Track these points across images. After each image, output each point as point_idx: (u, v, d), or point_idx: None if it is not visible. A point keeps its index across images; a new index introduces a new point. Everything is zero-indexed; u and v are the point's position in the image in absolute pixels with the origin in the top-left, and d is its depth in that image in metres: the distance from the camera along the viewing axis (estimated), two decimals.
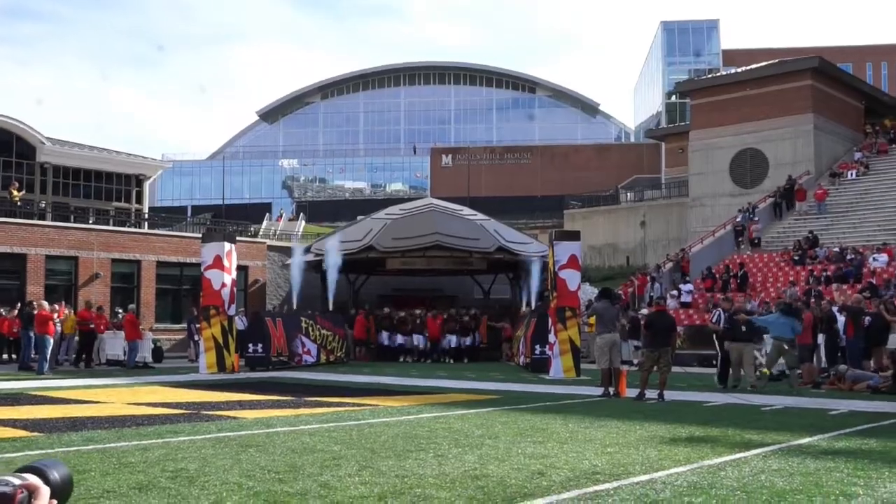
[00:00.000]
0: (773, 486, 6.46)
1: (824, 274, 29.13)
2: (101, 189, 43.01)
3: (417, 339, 28.79)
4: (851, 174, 39.00)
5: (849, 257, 29.61)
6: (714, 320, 17.64)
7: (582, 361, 21.28)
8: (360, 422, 10.76)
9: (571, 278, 20.71)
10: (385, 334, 29.19)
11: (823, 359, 19.13)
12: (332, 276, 26.27)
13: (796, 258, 31.59)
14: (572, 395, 15.30)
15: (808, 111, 40.39)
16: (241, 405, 12.93)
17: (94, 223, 32.00)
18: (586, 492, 6.24)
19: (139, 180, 44.55)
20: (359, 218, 34.70)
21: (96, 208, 39.09)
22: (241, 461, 7.47)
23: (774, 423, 10.93)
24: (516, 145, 78.24)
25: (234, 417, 11.15)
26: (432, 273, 31.03)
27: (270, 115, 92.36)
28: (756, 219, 36.62)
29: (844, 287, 27.08)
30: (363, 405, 13.06)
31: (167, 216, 43.89)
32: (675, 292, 30.15)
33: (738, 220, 36.18)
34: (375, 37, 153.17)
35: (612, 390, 14.89)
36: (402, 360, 28.34)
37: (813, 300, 22.81)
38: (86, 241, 28.13)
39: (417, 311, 29.09)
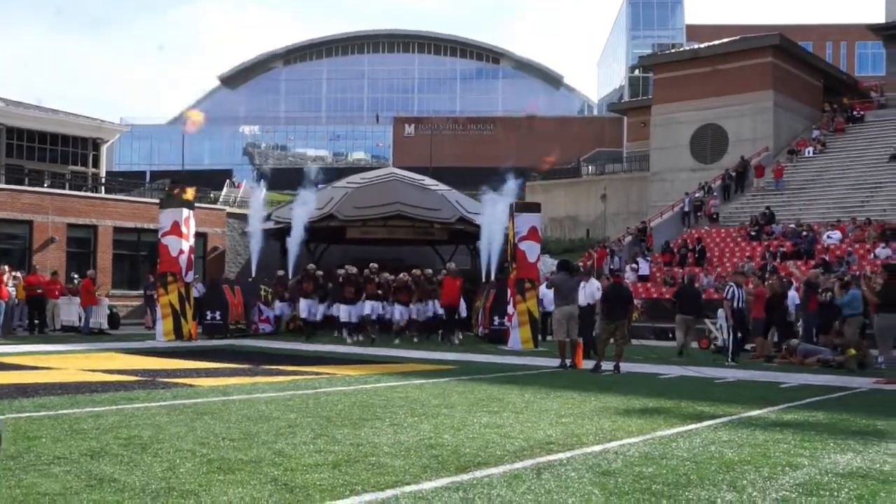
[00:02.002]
0: (723, 457, 6.59)
1: (780, 250, 29.57)
2: (57, 152, 42.18)
3: (378, 308, 22.13)
4: (809, 151, 39.55)
5: (803, 234, 30.07)
6: (728, 296, 16.99)
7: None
8: (317, 390, 10.76)
9: (531, 250, 20.80)
10: (304, 303, 22.78)
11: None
12: (295, 241, 26.04)
13: (753, 234, 32.03)
14: (529, 366, 15.43)
15: (769, 88, 40.82)
16: (198, 373, 12.86)
17: (49, 187, 31.40)
18: (540, 461, 6.31)
19: (96, 144, 43.75)
20: (320, 186, 34.46)
21: (52, 171, 38.37)
22: (195, 429, 7.45)
23: (726, 395, 11.13)
24: (479, 116, 78.06)
25: (190, 385, 11.10)
26: (393, 243, 30.94)
27: (232, 80, 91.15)
28: (715, 194, 37.03)
29: (798, 262, 27.53)
30: (320, 374, 13.06)
31: (125, 181, 43.18)
32: (634, 265, 30.44)
33: (685, 201, 36.33)
34: (341, 2, 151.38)
35: (568, 362, 15.03)
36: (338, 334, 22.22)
37: (769, 276, 23.15)
38: (41, 204, 27.59)
39: (373, 265, 22.71)
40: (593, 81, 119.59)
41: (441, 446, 6.82)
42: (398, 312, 22.53)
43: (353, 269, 22.51)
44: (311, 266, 23.80)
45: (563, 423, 8.29)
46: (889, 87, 45.68)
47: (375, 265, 23.13)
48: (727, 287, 17.50)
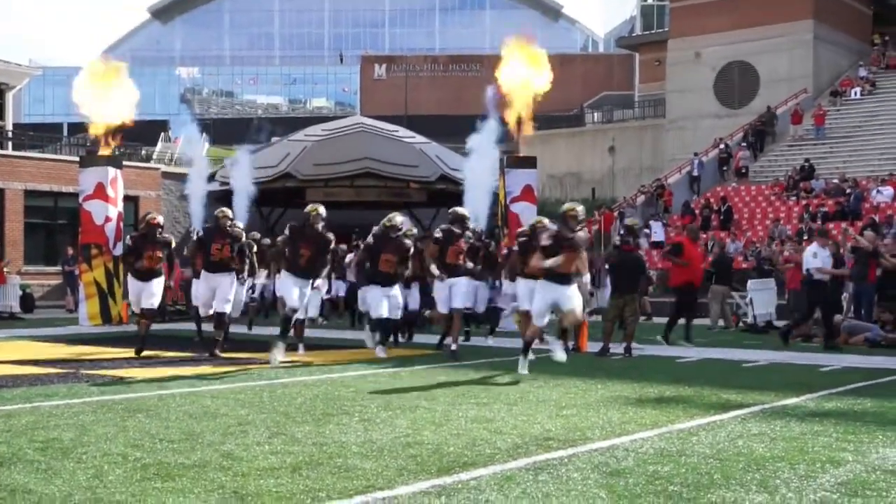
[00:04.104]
0: (752, 453, 6.66)
1: (821, 209, 29.74)
2: None
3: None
4: (855, 93, 39.68)
5: (847, 190, 30.24)
6: None
7: None
8: (273, 381, 10.78)
9: (525, 212, 20.80)
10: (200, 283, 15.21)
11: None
12: (242, 207, 25.91)
13: (792, 193, 32.15)
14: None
15: (808, 17, 40.82)
16: (130, 363, 12.87)
17: None
18: (536, 460, 6.36)
19: (0, 90, 43.28)
20: (273, 140, 34.30)
21: None
22: (127, 429, 7.45)
23: (757, 381, 11.23)
24: (463, 54, 77.64)
25: (121, 377, 11.09)
26: (362, 206, 30.93)
27: (165, 12, 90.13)
28: (743, 144, 37.12)
29: (844, 224, 27.69)
30: None
31: (37, 135, 42.82)
32: (646, 230, 30.55)
33: (693, 164, 36.11)
34: None
35: (571, 344, 15.10)
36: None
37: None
38: None
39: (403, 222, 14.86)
40: (598, 12, 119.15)
41: (420, 445, 6.85)
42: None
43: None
44: (223, 211, 14.54)
45: (564, 415, 8.34)
46: None
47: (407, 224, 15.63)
48: None
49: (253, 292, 19.35)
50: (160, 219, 14.28)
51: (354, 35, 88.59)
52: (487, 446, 6.83)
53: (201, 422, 7.81)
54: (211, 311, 14.33)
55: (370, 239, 14.71)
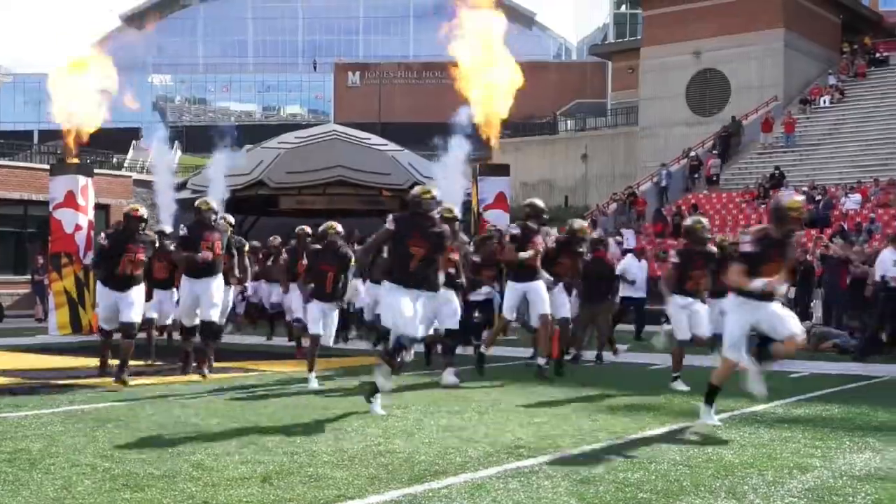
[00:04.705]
0: (721, 460, 6.72)
1: None
2: None
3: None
4: (824, 101, 40.01)
5: (817, 198, 30.50)
6: None
7: None
8: (244, 391, 10.75)
9: (498, 220, 20.82)
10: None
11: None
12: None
13: (763, 201, 32.36)
14: (496, 357, 15.48)
15: (779, 26, 41.12)
16: (100, 373, 12.73)
17: None
18: (507, 468, 6.38)
19: None
20: (247, 147, 34.21)
21: None
22: (96, 439, 7.41)
23: (726, 388, 11.18)
24: (437, 61, 77.78)
25: (91, 387, 11.00)
26: (335, 213, 30.90)
27: (137, 19, 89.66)
28: (714, 152, 37.36)
29: (813, 231, 27.93)
30: (249, 371, 13.08)
31: (7, 143, 42.54)
32: (618, 238, 30.64)
33: (661, 174, 36.18)
34: None
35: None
36: None
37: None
38: None
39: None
40: (571, 19, 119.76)
41: (391, 454, 6.86)
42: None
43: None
44: (206, 202, 12.32)
45: (535, 423, 8.38)
46: None
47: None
48: None
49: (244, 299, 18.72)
50: (144, 211, 11.68)
51: (328, 42, 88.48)
52: (458, 455, 6.85)
53: (172, 431, 7.78)
54: (196, 321, 12.30)
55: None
